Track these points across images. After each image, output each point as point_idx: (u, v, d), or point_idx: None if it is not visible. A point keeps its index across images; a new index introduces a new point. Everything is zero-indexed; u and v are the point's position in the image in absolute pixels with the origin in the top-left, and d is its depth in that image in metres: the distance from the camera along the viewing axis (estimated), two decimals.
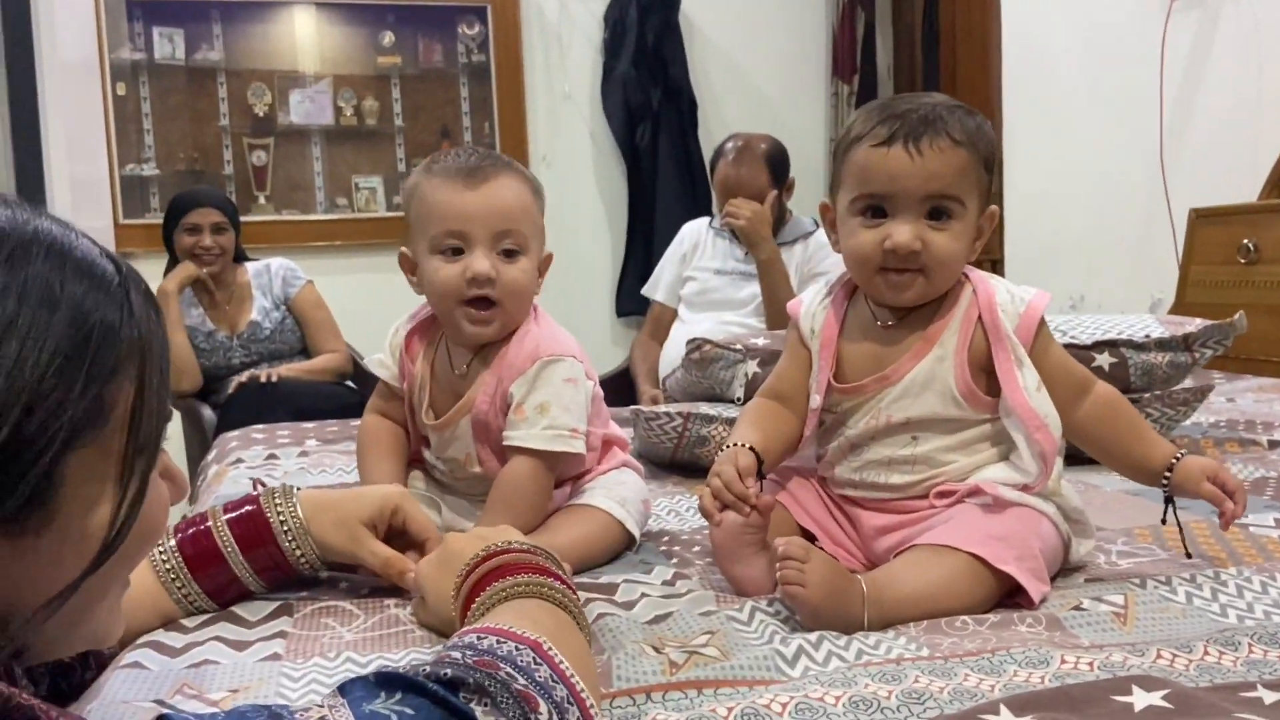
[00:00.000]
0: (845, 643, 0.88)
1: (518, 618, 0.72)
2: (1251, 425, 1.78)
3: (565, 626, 0.76)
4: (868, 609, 0.92)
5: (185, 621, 0.96)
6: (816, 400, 1.10)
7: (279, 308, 3.02)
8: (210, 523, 0.98)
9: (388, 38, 4.10)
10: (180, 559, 0.96)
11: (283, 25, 4.03)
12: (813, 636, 0.89)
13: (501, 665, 0.62)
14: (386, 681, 0.58)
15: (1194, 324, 1.60)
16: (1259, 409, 1.96)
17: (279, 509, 0.99)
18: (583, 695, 0.64)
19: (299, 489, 1.02)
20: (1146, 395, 1.54)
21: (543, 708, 0.60)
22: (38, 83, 3.22)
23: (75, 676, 0.87)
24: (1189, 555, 1.08)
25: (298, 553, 0.99)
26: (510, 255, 1.17)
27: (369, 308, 3.52)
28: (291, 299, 3.03)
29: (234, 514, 0.99)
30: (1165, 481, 1.06)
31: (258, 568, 0.99)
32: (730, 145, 2.71)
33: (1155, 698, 0.73)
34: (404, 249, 1.24)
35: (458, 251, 1.17)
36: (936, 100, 1.06)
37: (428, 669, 0.60)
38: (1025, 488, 1.04)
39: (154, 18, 3.84)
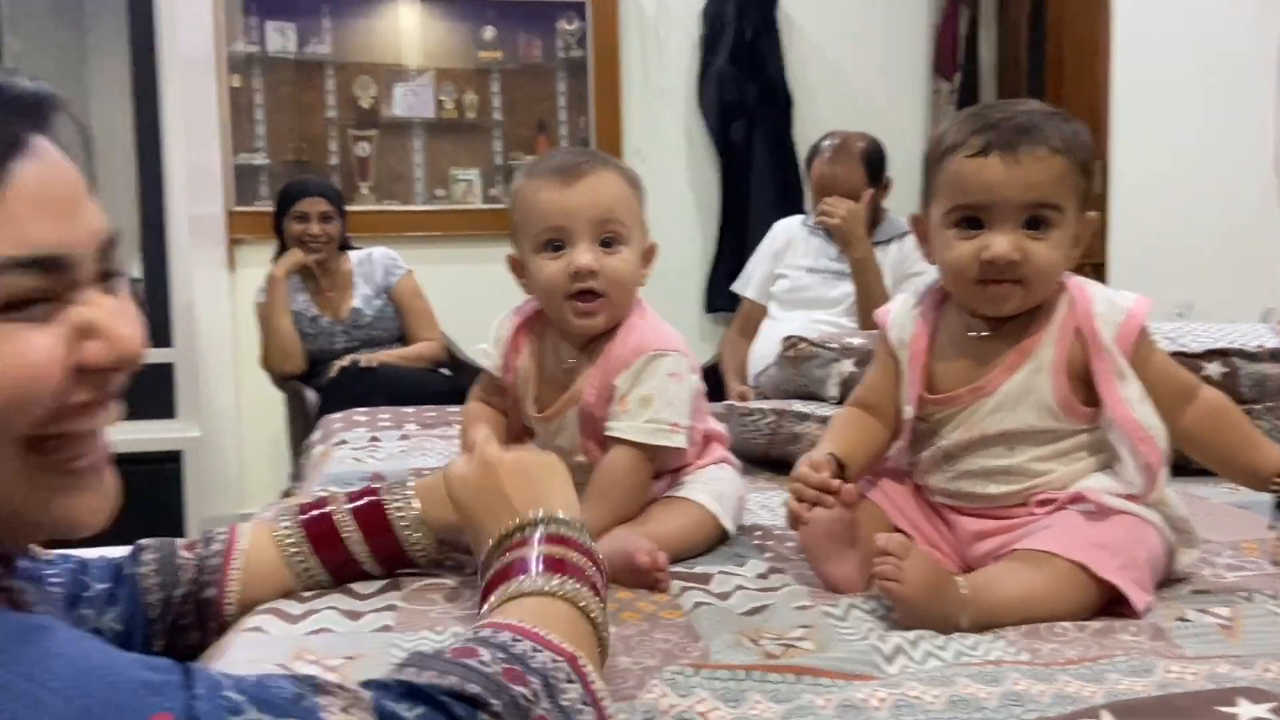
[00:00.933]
0: (943, 643, 0.89)
1: (551, 621, 0.70)
2: None
3: (588, 640, 0.74)
4: (966, 611, 0.92)
5: (302, 593, 1.00)
6: (909, 411, 1.10)
7: (380, 295, 3.11)
8: (332, 509, 1.02)
9: (489, 33, 4.17)
10: (304, 535, 1.00)
11: (388, 19, 4.13)
12: (910, 635, 0.90)
13: (531, 680, 0.61)
14: (411, 693, 0.58)
15: None
16: None
17: (396, 503, 1.02)
18: (608, 712, 0.64)
19: (412, 481, 1.05)
20: (1258, 407, 1.50)
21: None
22: (158, 75, 3.37)
23: (190, 639, 0.92)
24: None
25: (413, 540, 1.02)
26: (611, 246, 1.20)
27: (464, 297, 3.60)
28: (392, 287, 3.12)
29: (355, 504, 1.02)
30: (1275, 486, 1.05)
31: (376, 553, 1.02)
32: (827, 143, 2.70)
33: (1262, 710, 0.72)
34: (511, 253, 1.27)
35: (560, 247, 1.20)
36: (1031, 107, 1.05)
37: (453, 678, 0.59)
38: (1130, 497, 1.03)
39: (268, 12, 3.97)
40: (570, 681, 0.63)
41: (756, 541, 1.23)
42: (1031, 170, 1.01)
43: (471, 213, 4.14)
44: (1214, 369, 1.52)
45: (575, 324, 1.21)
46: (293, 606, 0.95)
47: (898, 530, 1.10)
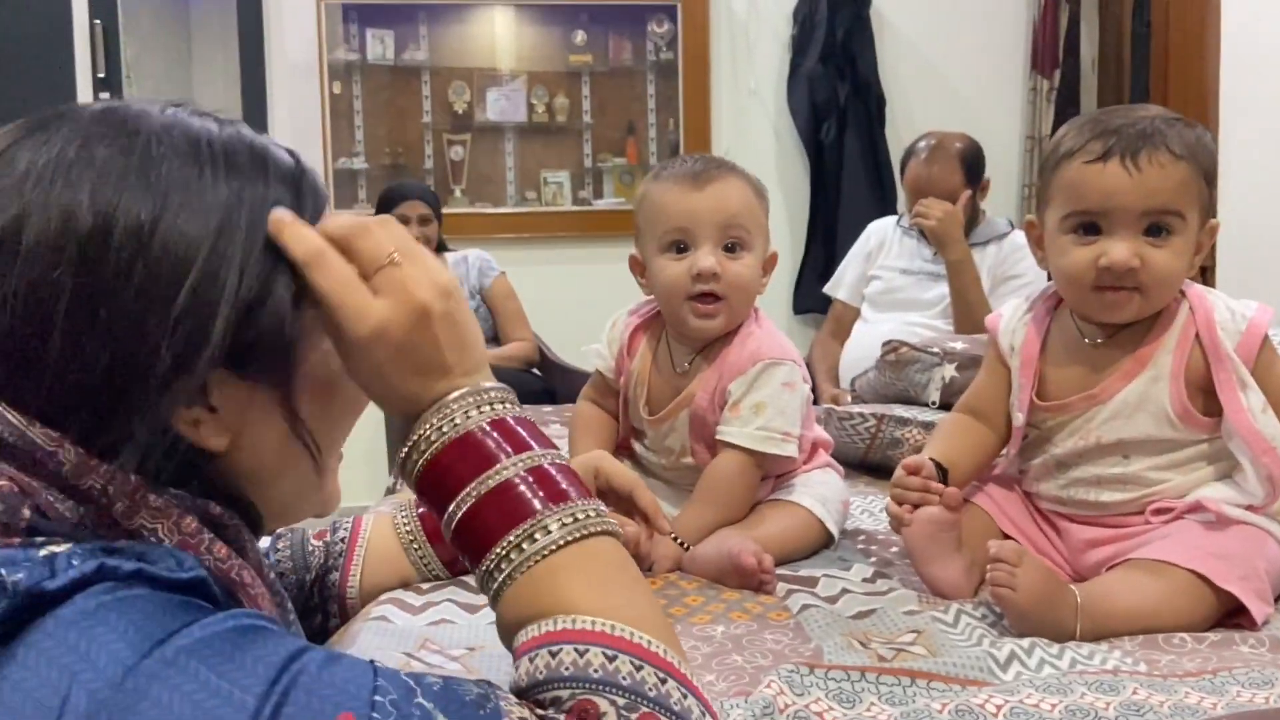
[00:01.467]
0: (1058, 651, 0.88)
1: (601, 587, 0.55)
2: None
3: (640, 579, 0.60)
4: (1080, 619, 0.91)
5: (420, 584, 1.03)
6: (1019, 419, 1.09)
7: (474, 296, 3.17)
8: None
9: (580, 36, 4.22)
10: (420, 526, 1.03)
11: (482, 25, 4.20)
12: (1024, 643, 0.89)
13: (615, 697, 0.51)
14: None
15: None
16: None
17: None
18: (712, 706, 0.54)
19: None
20: None
21: None
22: (266, 82, 3.49)
23: (314, 622, 0.96)
24: None
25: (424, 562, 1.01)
26: (734, 251, 1.21)
27: (553, 298, 3.66)
28: (486, 289, 3.18)
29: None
30: None
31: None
32: (923, 144, 2.67)
33: None
34: (634, 252, 1.29)
35: (684, 249, 1.21)
36: (1153, 113, 1.04)
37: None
38: (1250, 508, 1.00)
39: (367, 20, 4.08)
40: (661, 681, 0.53)
41: (860, 546, 1.23)
42: (1152, 177, 1.00)
43: (561, 214, 4.19)
44: None
45: (694, 325, 1.22)
46: (412, 598, 0.98)
47: (1007, 537, 1.09)
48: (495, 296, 3.19)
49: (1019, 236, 2.73)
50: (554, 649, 0.53)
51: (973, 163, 2.65)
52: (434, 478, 0.58)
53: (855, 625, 0.94)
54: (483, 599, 0.96)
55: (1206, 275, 3.29)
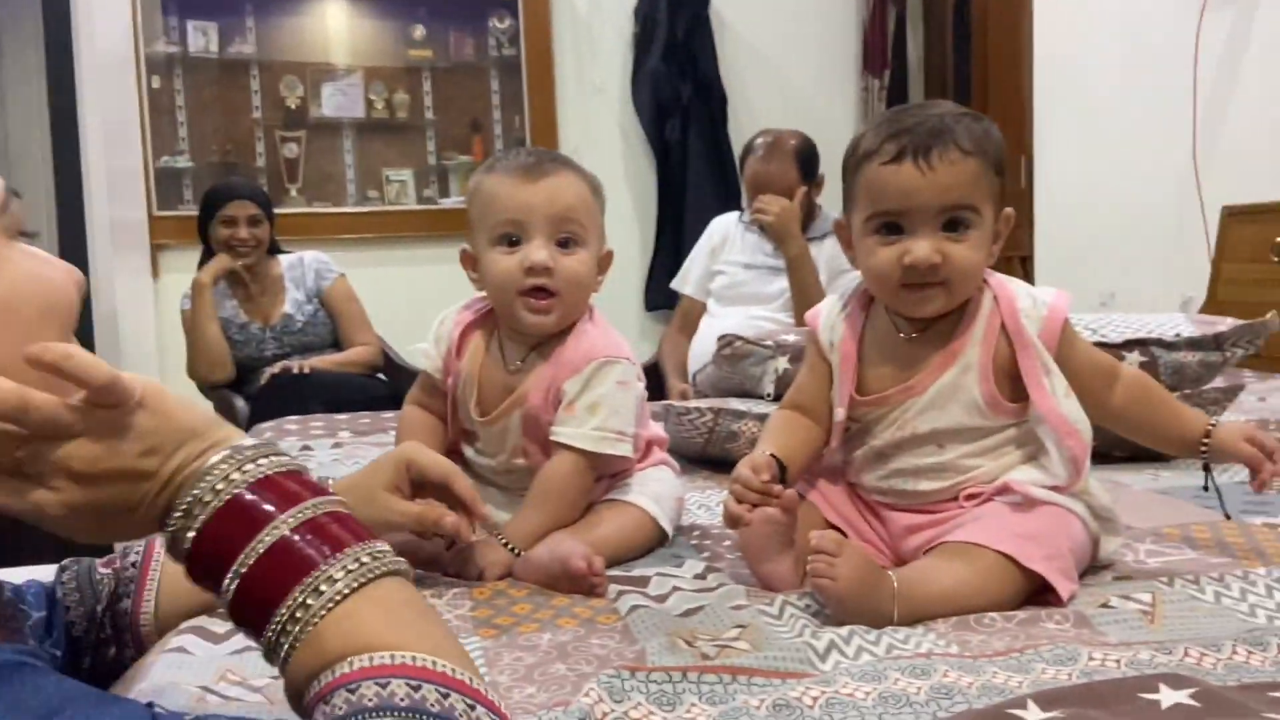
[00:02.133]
0: (875, 637, 0.90)
1: (394, 625, 0.54)
2: None
3: (431, 612, 0.60)
4: (898, 604, 0.93)
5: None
6: (840, 414, 1.11)
7: (311, 300, 3.06)
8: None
9: (419, 31, 4.13)
10: None
11: (314, 18, 4.07)
12: (843, 631, 0.90)
13: None
14: None
15: (1225, 323, 1.59)
16: None
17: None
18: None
19: (330, 481, 1.01)
20: (1176, 394, 1.54)
21: None
22: (76, 76, 3.28)
23: (108, 654, 0.89)
24: (1227, 517, 1.15)
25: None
26: (568, 246, 1.19)
27: (399, 300, 3.57)
28: (324, 292, 3.07)
29: None
30: (1204, 448, 1.10)
31: None
32: (760, 141, 2.72)
33: (1182, 695, 0.74)
34: (465, 246, 1.26)
35: (515, 242, 1.19)
36: (943, 110, 1.06)
37: None
38: (1055, 488, 1.05)
39: (188, 11, 3.89)
40: (474, 710, 0.52)
41: (694, 541, 1.23)
42: (945, 174, 1.02)
43: (406, 214, 4.10)
44: (1134, 358, 1.55)
45: (527, 321, 1.19)
46: (217, 625, 0.92)
47: (833, 527, 1.11)
48: (335, 300, 3.08)
49: None
50: (352, 687, 0.51)
51: (807, 159, 2.72)
52: (207, 549, 0.55)
53: (683, 624, 0.94)
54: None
55: (1026, 265, 3.47)
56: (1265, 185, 2.69)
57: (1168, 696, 0.74)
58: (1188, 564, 1.07)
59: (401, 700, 0.50)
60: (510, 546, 1.10)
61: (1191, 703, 0.73)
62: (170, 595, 0.91)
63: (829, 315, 1.15)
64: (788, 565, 1.04)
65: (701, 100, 4.21)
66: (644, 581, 1.07)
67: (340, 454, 1.82)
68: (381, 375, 3.11)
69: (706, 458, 1.61)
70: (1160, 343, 1.57)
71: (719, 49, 4.25)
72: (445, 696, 0.51)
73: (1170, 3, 2.98)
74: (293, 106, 4.03)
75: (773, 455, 1.04)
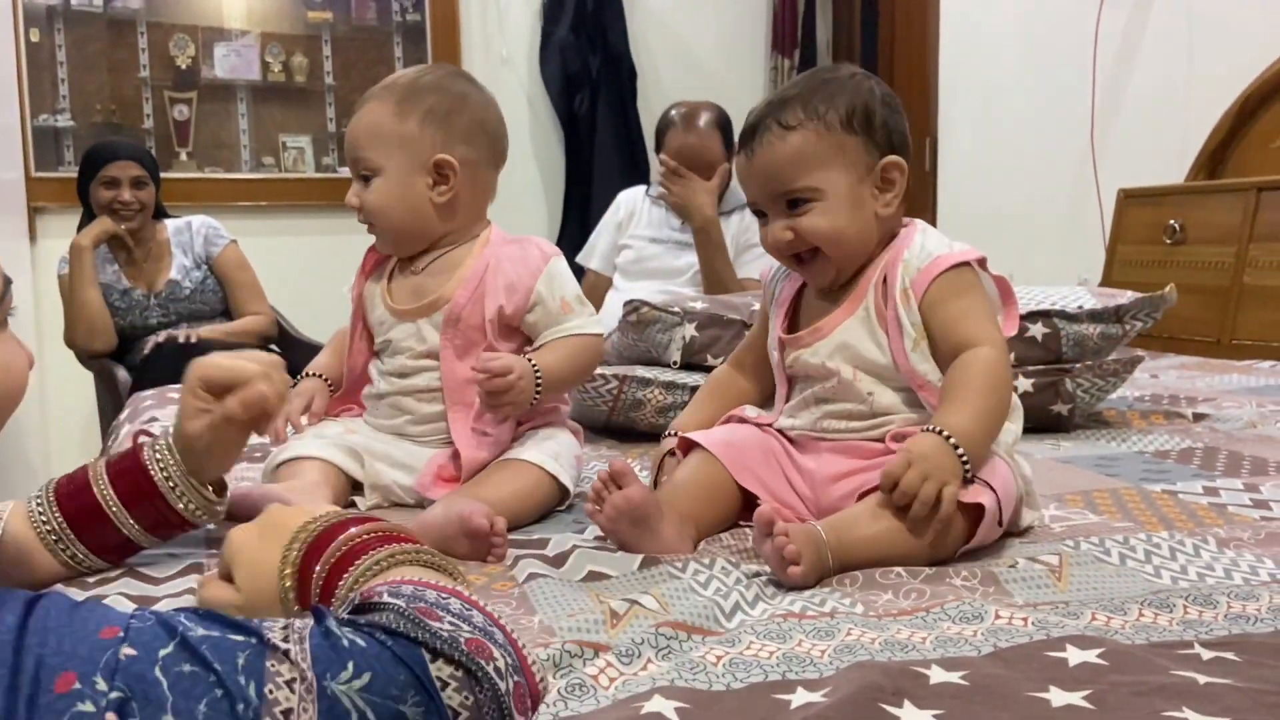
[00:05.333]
0: (780, 597, 0.87)
1: (416, 577, 0.66)
2: (1175, 400, 1.81)
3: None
4: (831, 557, 0.92)
5: (87, 577, 0.90)
6: (776, 357, 1.13)
7: (200, 267, 2.92)
8: (91, 480, 0.93)
9: None
10: (61, 519, 0.90)
11: None
12: (750, 591, 0.87)
13: (442, 615, 0.57)
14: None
15: (1125, 296, 1.61)
16: (1181, 384, 2.00)
17: (160, 461, 0.94)
18: (514, 637, 0.60)
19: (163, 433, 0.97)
20: (1078, 365, 1.56)
21: (496, 654, 0.57)
22: None
23: None
24: None
25: (183, 502, 0.94)
26: (367, 181, 1.22)
27: (294, 270, 3.44)
28: (214, 259, 2.93)
29: (115, 469, 0.93)
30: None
31: (146, 524, 0.93)
32: (677, 113, 2.67)
33: (1091, 655, 0.73)
34: None
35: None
36: (798, 84, 1.07)
37: (379, 622, 0.56)
38: None
39: None
40: (468, 610, 0.59)
41: None
42: (763, 159, 1.05)
43: (303, 181, 3.94)
44: (1037, 330, 1.56)
45: (378, 248, 1.30)
46: (75, 593, 0.85)
47: (743, 491, 1.08)
48: (225, 267, 2.94)
49: None
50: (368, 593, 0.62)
51: (728, 131, 2.69)
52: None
53: (587, 587, 0.90)
54: (160, 592, 0.86)
55: None
56: (1158, 170, 2.76)
57: (1075, 655, 0.73)
58: (1092, 527, 1.07)
59: (406, 590, 0.59)
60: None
61: (1099, 661, 0.72)
62: (16, 572, 0.85)
63: (776, 271, 1.18)
64: (672, 533, 1.00)
65: (611, 74, 4.15)
66: (543, 544, 1.02)
67: None
68: (274, 347, 2.99)
69: (611, 426, 1.57)
70: (1063, 314, 1.58)
71: (629, 23, 4.19)
72: (445, 597, 0.59)
73: None
74: (183, 66, 3.84)
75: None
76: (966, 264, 1.07)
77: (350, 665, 0.53)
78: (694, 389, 1.52)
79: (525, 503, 1.11)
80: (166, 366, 2.57)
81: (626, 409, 1.53)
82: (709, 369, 1.57)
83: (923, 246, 1.07)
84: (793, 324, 1.14)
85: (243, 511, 1.10)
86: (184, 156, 3.85)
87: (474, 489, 1.10)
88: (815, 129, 1.03)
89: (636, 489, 0.97)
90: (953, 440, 0.95)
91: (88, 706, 0.49)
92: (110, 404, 2.75)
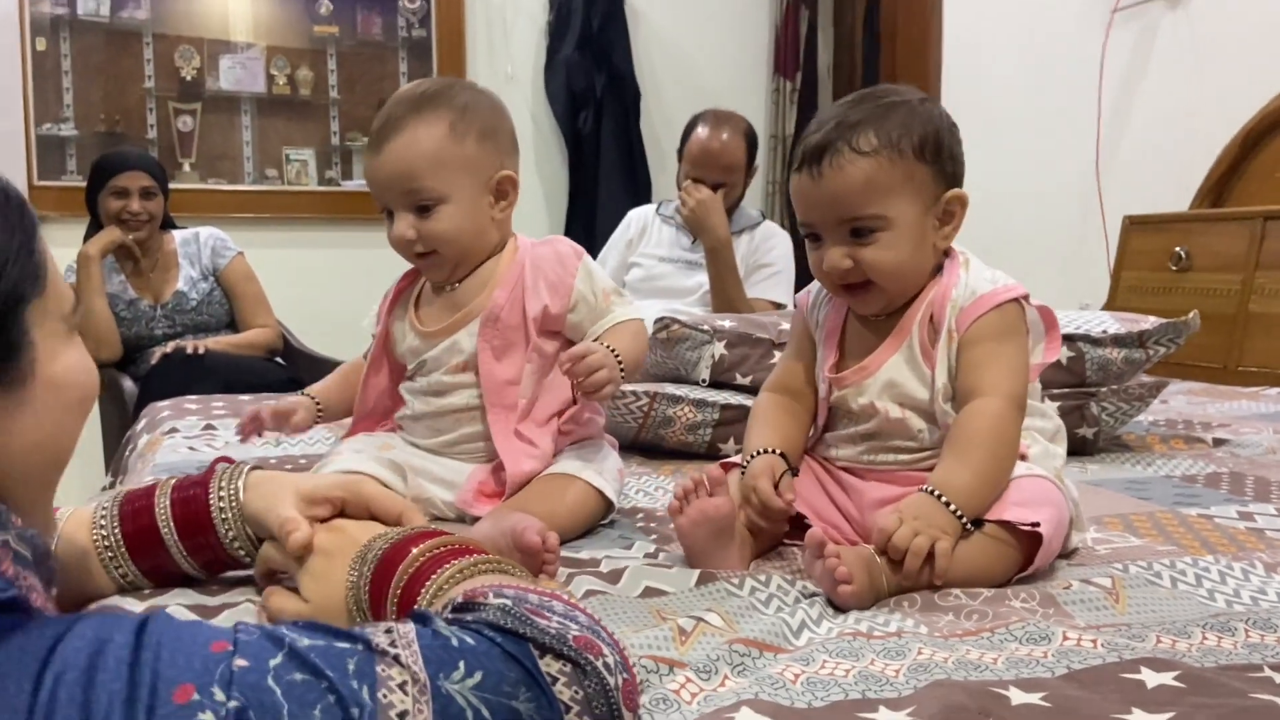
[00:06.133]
0: (844, 616, 0.87)
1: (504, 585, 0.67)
2: (1190, 425, 1.82)
3: None
4: (887, 580, 0.92)
5: (136, 601, 0.89)
6: (824, 389, 1.11)
7: (207, 278, 2.91)
8: (155, 499, 0.91)
9: (325, 6, 3.98)
10: (120, 535, 0.88)
11: None
12: (813, 610, 0.87)
13: (549, 615, 0.58)
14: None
15: (1149, 321, 1.63)
16: (1193, 410, 2.02)
17: (222, 491, 0.88)
18: (616, 638, 0.60)
19: (254, 466, 0.91)
20: (1103, 390, 1.57)
21: (605, 650, 0.58)
22: None
23: None
24: None
25: (230, 536, 0.87)
26: (426, 210, 1.17)
27: (296, 284, 3.43)
28: (221, 270, 2.92)
29: (181, 493, 0.89)
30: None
31: (194, 556, 0.89)
32: (706, 117, 2.67)
33: (1166, 677, 0.73)
34: None
35: (390, 213, 1.20)
36: (862, 106, 1.02)
37: (487, 619, 0.58)
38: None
39: None
40: (572, 611, 0.62)
41: (640, 524, 1.19)
42: (834, 182, 1.01)
43: (306, 194, 3.94)
44: (1062, 354, 1.57)
45: (426, 276, 1.26)
46: (132, 604, 0.84)
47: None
48: (232, 279, 2.93)
49: (770, 226, 2.82)
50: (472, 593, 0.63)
51: (753, 143, 2.70)
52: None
53: (647, 604, 0.89)
54: (216, 599, 0.84)
55: None
56: (1162, 198, 2.79)
57: (1151, 678, 0.73)
58: (1136, 551, 1.08)
59: (508, 597, 0.60)
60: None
61: (1176, 684, 0.72)
62: (73, 583, 0.84)
63: (817, 295, 1.14)
64: (734, 556, 1.00)
65: (615, 93, 4.17)
66: (595, 563, 1.02)
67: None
68: (280, 360, 2.98)
69: (640, 444, 1.57)
70: (1088, 338, 1.59)
71: (633, 43, 4.22)
72: (548, 599, 0.61)
73: (1078, 17, 3.07)
74: (188, 78, 3.84)
75: (781, 454, 1.02)
76: (1014, 301, 1.05)
77: (461, 664, 0.54)
78: (724, 407, 1.52)
79: (573, 518, 1.11)
80: (173, 378, 2.56)
81: (656, 426, 1.53)
82: (737, 387, 1.58)
83: (967, 284, 1.05)
84: (840, 356, 1.11)
85: None
86: (187, 168, 3.84)
87: (521, 503, 1.09)
88: (889, 156, 1.00)
89: (726, 501, 0.96)
90: (944, 499, 0.94)
91: (208, 716, 0.50)
92: (115, 414, 2.73)
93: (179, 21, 3.82)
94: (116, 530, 0.89)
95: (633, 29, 4.21)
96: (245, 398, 2.08)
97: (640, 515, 1.22)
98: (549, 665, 0.55)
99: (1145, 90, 2.92)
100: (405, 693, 0.53)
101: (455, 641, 0.56)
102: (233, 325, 2.95)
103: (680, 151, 2.71)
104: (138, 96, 3.78)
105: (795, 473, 1.06)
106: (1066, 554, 1.06)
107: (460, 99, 1.19)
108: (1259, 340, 2.43)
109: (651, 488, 1.36)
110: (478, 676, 0.54)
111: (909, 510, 0.93)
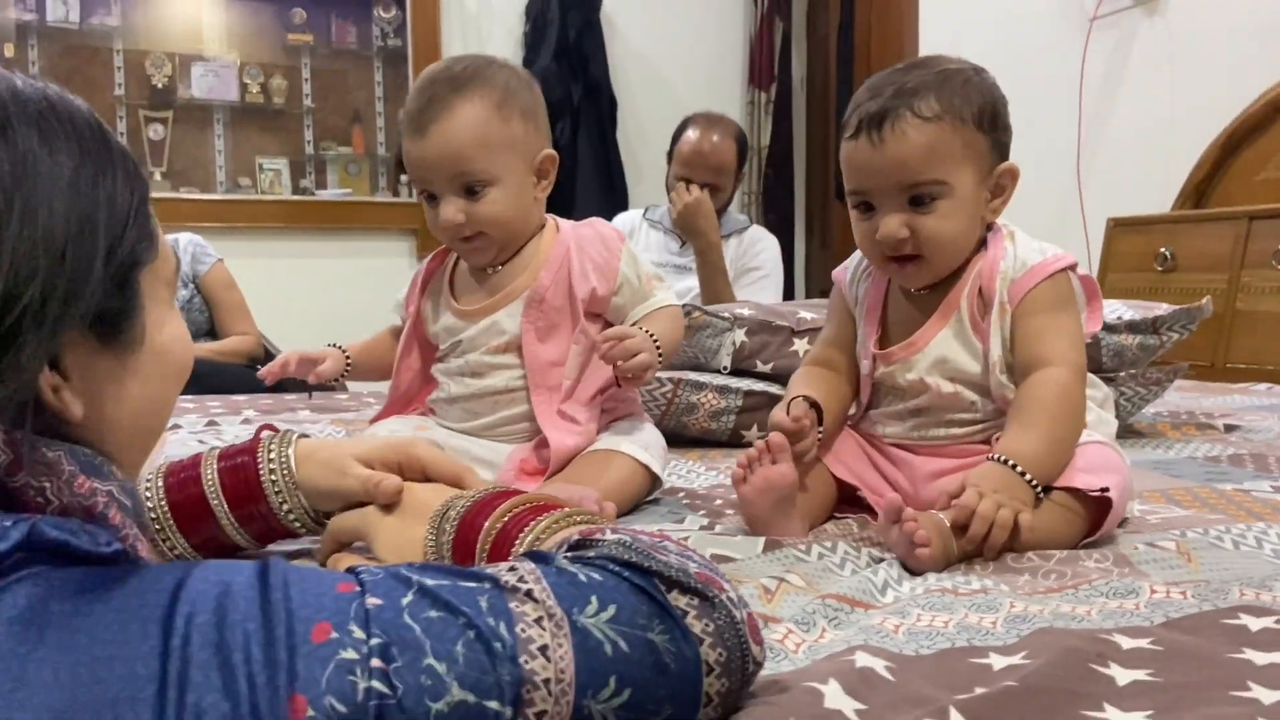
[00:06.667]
0: (924, 575, 0.86)
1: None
2: (1193, 415, 1.84)
3: None
4: (956, 546, 0.90)
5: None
6: (866, 366, 1.09)
7: (187, 285, 2.84)
8: (202, 469, 0.88)
9: (299, 15, 3.94)
10: (167, 505, 0.85)
11: None
12: (893, 570, 0.86)
13: (667, 553, 0.56)
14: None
15: (1162, 308, 1.64)
16: (1188, 403, 2.04)
17: (271, 458, 0.87)
18: (730, 580, 0.59)
19: (302, 435, 0.90)
20: (1121, 375, 1.58)
21: (726, 586, 0.56)
22: None
23: None
24: None
25: (284, 507, 0.86)
26: (474, 192, 1.14)
27: (270, 294, 3.36)
28: (201, 277, 2.86)
29: (228, 462, 0.87)
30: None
31: (245, 525, 0.87)
32: (697, 119, 2.67)
33: (1269, 621, 0.72)
34: None
35: (433, 197, 1.17)
36: (917, 73, 1.01)
37: (610, 553, 0.56)
38: None
39: None
40: (687, 550, 0.61)
41: (685, 501, 1.17)
42: (896, 148, 0.99)
43: (279, 204, 3.89)
44: None
45: (470, 260, 1.22)
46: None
47: (840, 483, 1.07)
48: (213, 286, 2.86)
49: (758, 230, 2.82)
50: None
51: (744, 147, 2.70)
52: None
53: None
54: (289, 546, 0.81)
55: None
56: (1143, 201, 2.84)
57: (1253, 623, 0.72)
58: (1186, 520, 1.07)
59: (625, 535, 0.59)
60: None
61: (1279, 626, 0.71)
62: None
63: (856, 270, 1.13)
64: (796, 524, 0.99)
65: (591, 103, 4.17)
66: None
67: (250, 430, 1.66)
68: (260, 368, 2.92)
69: (662, 430, 1.53)
70: (1103, 325, 1.60)
71: (609, 54, 4.23)
72: (660, 540, 0.59)
73: (1054, 26, 3.13)
74: (159, 85, 3.77)
75: (806, 396, 0.99)
76: (1063, 271, 1.05)
77: (594, 599, 0.53)
78: (747, 394, 1.51)
79: (622, 492, 1.09)
80: None
81: (679, 413, 1.52)
82: (758, 375, 1.56)
83: (1016, 256, 1.05)
84: (882, 332, 1.10)
85: None
86: (158, 176, 3.77)
87: (569, 478, 1.07)
88: (951, 123, 0.99)
89: (789, 468, 0.95)
90: (1019, 469, 0.93)
91: (350, 654, 0.48)
92: None
93: (150, 27, 3.76)
94: (163, 502, 0.86)
95: (609, 40, 4.21)
96: (240, 398, 2.03)
97: (682, 494, 1.20)
98: (676, 599, 0.54)
99: (1124, 96, 2.98)
100: (542, 627, 0.51)
101: (583, 577, 0.54)
102: (213, 333, 2.88)
103: (670, 153, 2.70)
104: (107, 104, 3.70)
105: (821, 423, 1.04)
106: (1120, 523, 1.06)
107: (500, 77, 1.16)
108: (1245, 338, 2.47)
109: (684, 471, 1.34)
110: (611, 610, 0.53)
111: (984, 482, 0.91)
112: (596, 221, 1.25)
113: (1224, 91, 2.65)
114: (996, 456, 0.94)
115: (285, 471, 0.86)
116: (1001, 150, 1.05)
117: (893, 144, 0.99)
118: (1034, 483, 0.93)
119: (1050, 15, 3.15)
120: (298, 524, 0.88)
